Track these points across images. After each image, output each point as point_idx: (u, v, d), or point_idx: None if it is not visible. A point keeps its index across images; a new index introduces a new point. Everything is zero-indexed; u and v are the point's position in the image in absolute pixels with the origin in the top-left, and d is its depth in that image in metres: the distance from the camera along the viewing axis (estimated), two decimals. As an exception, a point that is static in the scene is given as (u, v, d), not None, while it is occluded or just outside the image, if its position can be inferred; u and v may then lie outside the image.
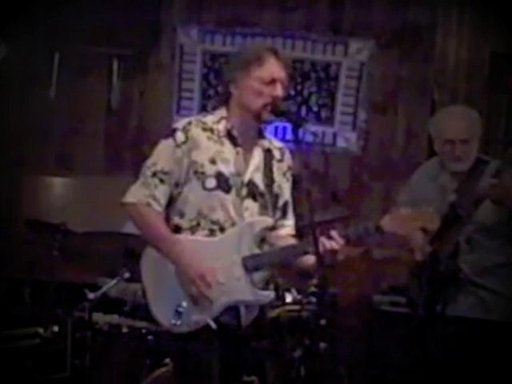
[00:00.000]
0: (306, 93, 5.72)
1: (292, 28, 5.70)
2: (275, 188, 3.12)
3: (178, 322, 2.95)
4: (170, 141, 3.04)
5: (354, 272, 5.49)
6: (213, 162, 3.02)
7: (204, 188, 3.01)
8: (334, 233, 2.97)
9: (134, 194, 3.04)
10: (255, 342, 3.26)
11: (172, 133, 3.04)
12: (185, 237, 3.03)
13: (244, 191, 3.06)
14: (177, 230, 3.05)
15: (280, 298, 4.22)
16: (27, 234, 4.70)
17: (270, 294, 3.09)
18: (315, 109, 5.72)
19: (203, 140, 3.04)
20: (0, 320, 4.46)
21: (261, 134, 3.15)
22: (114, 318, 4.08)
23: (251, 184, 3.07)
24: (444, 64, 5.76)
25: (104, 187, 5.50)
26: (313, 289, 4.33)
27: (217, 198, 3.01)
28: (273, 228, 3.12)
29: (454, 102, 5.38)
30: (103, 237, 4.11)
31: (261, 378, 3.93)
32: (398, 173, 5.53)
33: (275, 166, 3.14)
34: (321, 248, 2.90)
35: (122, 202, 3.06)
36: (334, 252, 2.95)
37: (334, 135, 5.72)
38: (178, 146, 3.02)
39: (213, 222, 3.01)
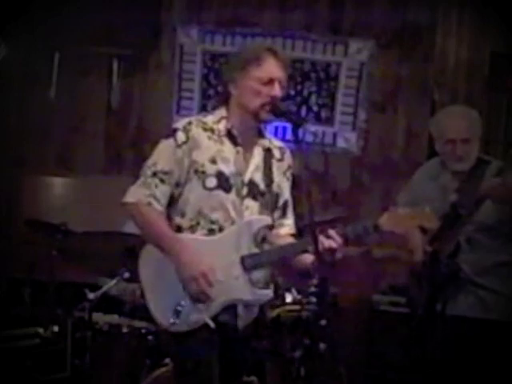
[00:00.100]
0: (305, 93, 5.72)
1: (292, 28, 5.70)
2: (275, 187, 3.12)
3: (177, 321, 2.96)
4: (170, 141, 3.04)
5: (353, 272, 5.49)
6: (213, 161, 3.03)
7: (204, 187, 3.01)
8: (332, 232, 2.97)
9: (135, 194, 3.04)
10: (255, 342, 3.26)
11: (173, 133, 3.05)
12: (185, 236, 3.03)
13: (244, 191, 3.06)
14: (178, 229, 3.05)
15: (280, 297, 4.23)
16: (27, 234, 4.70)
17: (268, 293, 3.09)
18: (315, 109, 5.72)
19: (204, 140, 3.04)
20: (0, 320, 4.46)
21: (261, 134, 3.15)
22: (114, 318, 4.09)
23: (251, 183, 3.07)
24: (444, 64, 5.76)
25: (104, 187, 5.50)
26: (313, 289, 4.33)
27: (217, 197, 3.01)
28: (272, 227, 3.12)
29: (454, 102, 5.37)
30: (103, 237, 4.11)
31: (261, 378, 3.94)
32: (398, 173, 5.53)
33: (275, 165, 3.15)
34: (320, 247, 2.91)
35: (123, 202, 3.06)
36: (332, 251, 2.95)
37: (334, 135, 5.72)
38: (178, 146, 3.02)
39: (212, 222, 3.02)
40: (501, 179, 3.63)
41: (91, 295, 3.91)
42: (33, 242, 4.66)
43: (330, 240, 2.95)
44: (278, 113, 3.03)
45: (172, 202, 3.06)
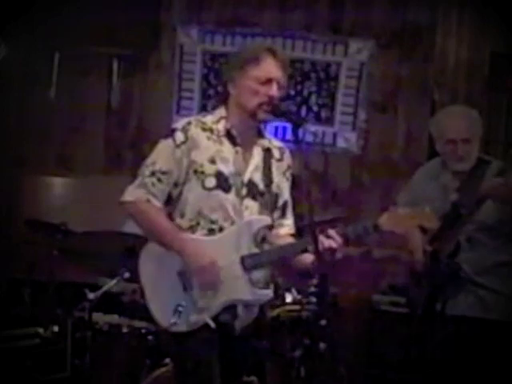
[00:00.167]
0: (305, 93, 5.72)
1: (292, 28, 5.70)
2: (274, 187, 3.12)
3: (178, 321, 2.95)
4: (169, 141, 3.04)
5: (353, 272, 5.49)
6: (212, 161, 3.03)
7: (204, 187, 3.01)
8: (332, 231, 2.97)
9: (133, 193, 3.04)
10: (255, 342, 3.26)
11: (171, 133, 3.05)
12: (185, 236, 3.03)
13: (244, 191, 3.06)
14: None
15: (280, 297, 4.22)
16: (27, 234, 4.70)
17: (268, 293, 3.09)
18: (315, 109, 5.72)
19: (203, 140, 3.04)
20: (0, 320, 4.46)
21: (260, 134, 3.15)
22: (114, 318, 4.08)
23: (251, 183, 3.07)
24: (444, 64, 5.76)
25: (104, 187, 5.50)
26: (313, 289, 4.33)
27: (216, 197, 3.01)
28: (272, 227, 3.12)
29: (454, 102, 5.37)
30: (103, 237, 4.11)
31: (261, 378, 3.93)
32: (398, 173, 5.53)
33: (275, 165, 3.15)
34: (320, 246, 2.91)
35: (121, 201, 3.06)
36: (332, 250, 2.95)
37: (334, 135, 5.72)
38: (177, 146, 3.02)
39: (212, 222, 3.02)
40: (502, 179, 3.64)
41: (91, 295, 3.90)
42: (33, 242, 4.66)
43: (330, 240, 2.95)
44: (277, 113, 3.03)
45: (171, 202, 3.06)
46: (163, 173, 3.02)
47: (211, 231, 3.02)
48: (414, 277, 3.94)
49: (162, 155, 3.04)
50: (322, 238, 2.94)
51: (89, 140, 5.88)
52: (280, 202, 3.17)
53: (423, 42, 5.67)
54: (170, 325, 2.96)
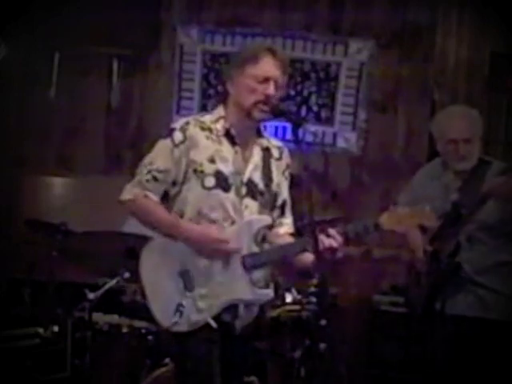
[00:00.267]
0: (305, 93, 5.72)
1: (292, 28, 5.70)
2: (274, 187, 3.12)
3: (179, 321, 2.95)
4: (167, 141, 3.04)
5: (354, 272, 5.49)
6: (212, 160, 3.02)
7: (203, 187, 3.01)
8: (332, 231, 2.97)
9: (130, 191, 3.06)
10: (255, 342, 3.26)
11: (170, 132, 3.05)
12: (188, 222, 3.03)
13: (243, 190, 3.06)
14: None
15: (280, 297, 4.22)
16: (27, 234, 4.70)
17: (269, 293, 3.09)
18: (315, 109, 5.72)
19: (201, 139, 3.04)
20: (0, 320, 4.46)
21: (259, 133, 3.15)
22: (114, 318, 4.08)
23: (250, 183, 3.07)
24: (444, 64, 5.75)
25: (104, 187, 5.49)
26: (313, 289, 4.33)
27: (216, 197, 3.01)
28: (271, 227, 3.12)
29: (454, 102, 5.37)
30: (103, 237, 4.11)
31: (261, 378, 3.93)
32: (398, 173, 5.53)
33: (274, 164, 3.15)
34: (320, 246, 2.91)
35: (120, 200, 3.08)
36: (333, 250, 2.95)
37: (334, 135, 5.72)
38: (176, 145, 3.02)
39: (212, 221, 3.02)
40: (505, 178, 3.64)
41: (91, 295, 3.91)
42: (33, 242, 4.66)
43: (331, 239, 2.95)
44: (277, 113, 3.03)
45: (171, 201, 3.07)
46: (160, 171, 3.02)
47: (211, 231, 3.03)
48: (413, 276, 3.94)
49: (160, 155, 3.04)
50: (322, 237, 2.94)
51: (89, 140, 5.88)
52: (279, 201, 3.17)
53: (423, 42, 5.67)
54: (171, 325, 2.96)
